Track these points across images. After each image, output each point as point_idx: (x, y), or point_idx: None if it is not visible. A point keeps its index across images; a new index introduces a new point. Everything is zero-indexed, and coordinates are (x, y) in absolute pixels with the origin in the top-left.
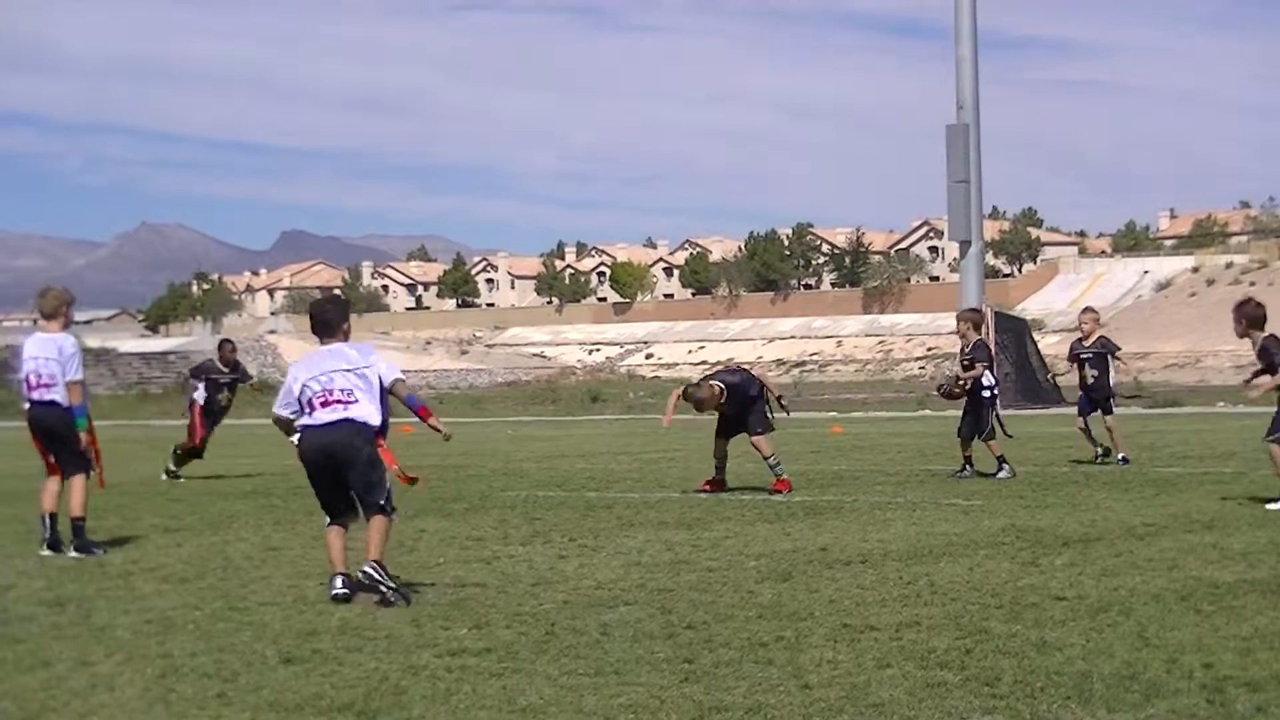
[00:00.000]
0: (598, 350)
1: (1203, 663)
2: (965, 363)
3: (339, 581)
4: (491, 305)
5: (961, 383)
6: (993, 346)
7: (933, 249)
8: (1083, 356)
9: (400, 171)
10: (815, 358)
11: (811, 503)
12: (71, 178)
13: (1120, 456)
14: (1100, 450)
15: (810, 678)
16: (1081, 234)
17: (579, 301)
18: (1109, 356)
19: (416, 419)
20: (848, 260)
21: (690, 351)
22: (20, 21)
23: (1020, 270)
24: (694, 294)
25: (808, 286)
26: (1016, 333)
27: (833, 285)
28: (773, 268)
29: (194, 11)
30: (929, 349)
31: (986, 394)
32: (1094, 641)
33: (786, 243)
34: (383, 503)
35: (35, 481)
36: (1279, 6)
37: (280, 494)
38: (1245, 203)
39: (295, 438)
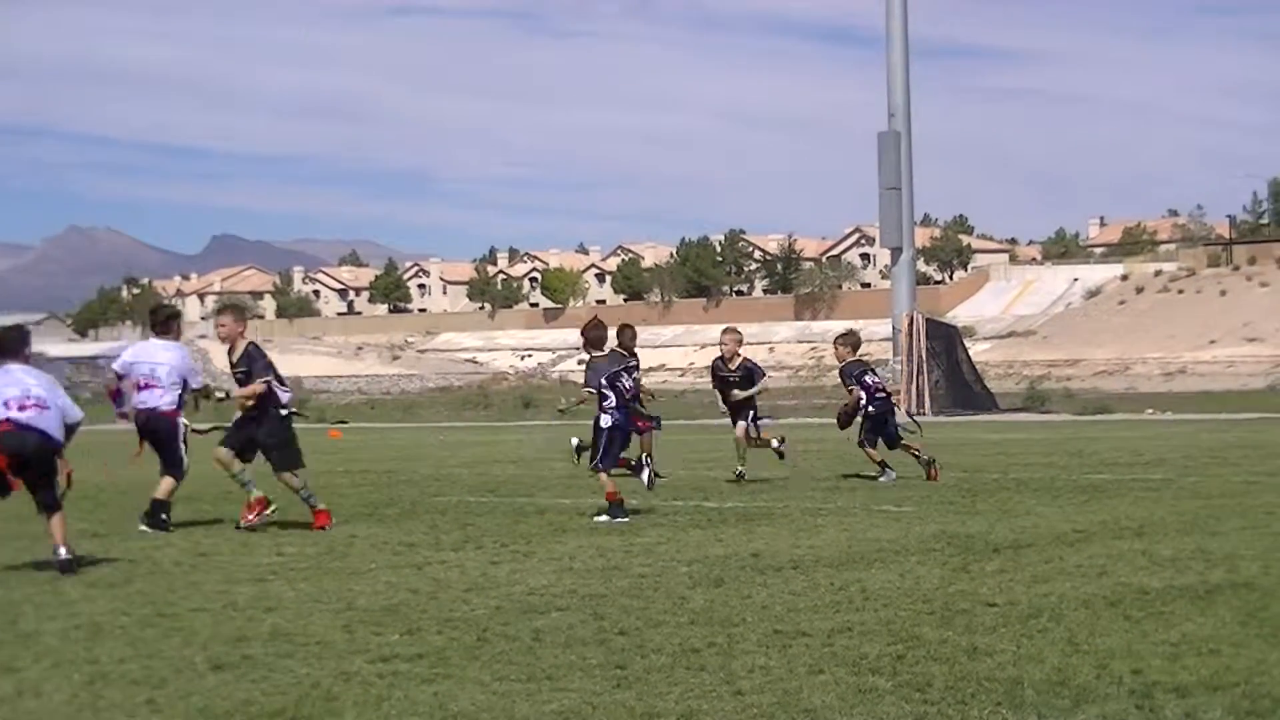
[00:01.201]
0: (530, 356)
1: (1132, 668)
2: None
3: (63, 551)
4: (424, 310)
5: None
6: (924, 353)
7: (864, 256)
8: (730, 380)
9: (333, 176)
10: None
11: (743, 509)
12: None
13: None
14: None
15: (742, 683)
16: (1012, 241)
17: (511, 307)
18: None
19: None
20: (780, 267)
21: None
22: None
23: (951, 277)
24: (626, 300)
25: (740, 293)
26: (947, 340)
27: (765, 292)
28: (705, 274)
29: (127, 15)
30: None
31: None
32: (1024, 647)
33: (719, 249)
34: (57, 501)
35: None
36: (1211, 19)
37: (210, 499)
38: (1174, 211)
39: None
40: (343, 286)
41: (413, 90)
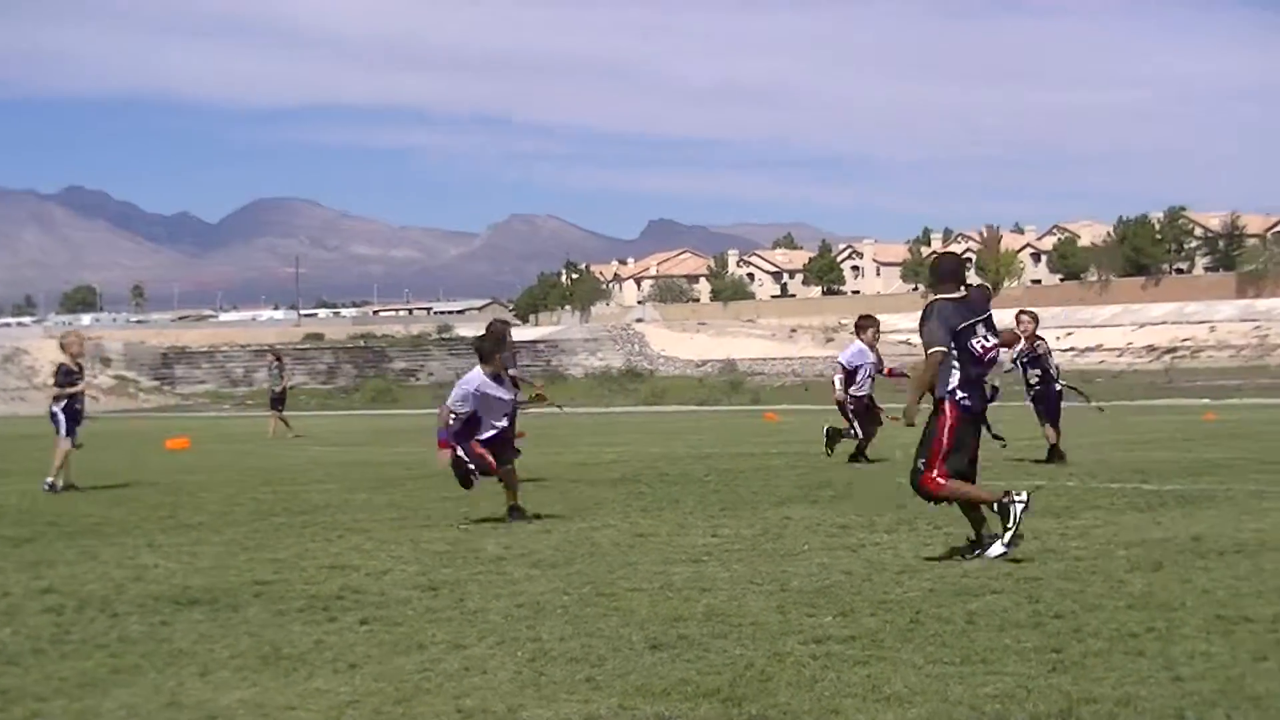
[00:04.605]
0: None
1: None
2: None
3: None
4: (857, 292)
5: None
6: None
7: None
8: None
9: (766, 160)
10: (1187, 344)
11: (1184, 491)
12: (451, 172)
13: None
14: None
15: (1183, 670)
16: None
17: None
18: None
19: None
20: (1222, 244)
21: (1059, 338)
22: (396, 22)
23: None
24: (1062, 279)
25: (1180, 271)
26: None
27: (1206, 270)
28: (1144, 252)
29: (569, 6)
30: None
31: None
32: None
33: (1158, 227)
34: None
35: (414, 469)
36: None
37: (647, 481)
38: None
39: None
40: (777, 269)
41: (848, 71)
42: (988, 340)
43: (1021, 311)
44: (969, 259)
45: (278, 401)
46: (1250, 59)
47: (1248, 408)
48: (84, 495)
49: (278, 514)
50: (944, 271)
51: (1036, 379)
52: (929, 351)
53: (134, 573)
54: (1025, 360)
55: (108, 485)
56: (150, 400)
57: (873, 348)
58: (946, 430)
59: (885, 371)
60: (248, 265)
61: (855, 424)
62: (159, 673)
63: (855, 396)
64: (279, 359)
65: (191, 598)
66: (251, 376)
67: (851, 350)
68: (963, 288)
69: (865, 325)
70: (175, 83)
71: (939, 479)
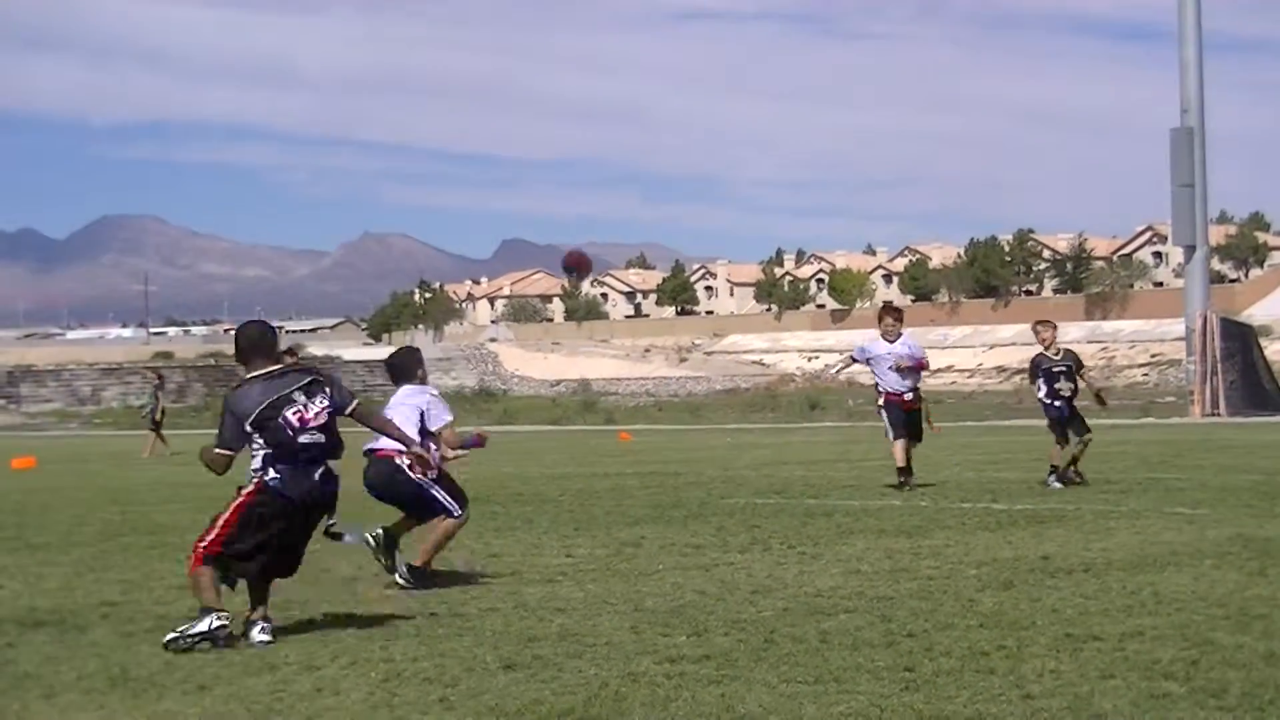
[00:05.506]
0: (816, 358)
1: None
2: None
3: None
4: (710, 313)
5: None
6: (1218, 353)
7: (1157, 254)
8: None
9: (622, 180)
10: None
11: (1033, 511)
12: (302, 190)
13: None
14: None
15: (1032, 687)
16: None
17: (798, 309)
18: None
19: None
20: (1070, 266)
21: None
22: (259, 39)
23: (1247, 275)
24: (913, 301)
25: (1029, 293)
26: (1242, 339)
27: (1054, 291)
28: (993, 274)
29: (424, 26)
30: (1153, 355)
31: None
32: None
33: (1007, 249)
34: None
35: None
36: None
37: (501, 500)
38: None
39: None
40: (630, 289)
41: (701, 94)
42: (308, 409)
43: (1038, 322)
44: (822, 280)
45: (157, 422)
46: (1097, 87)
47: (1094, 428)
48: None
49: (126, 534)
50: (245, 345)
51: (1069, 391)
52: (215, 451)
53: None
54: (1060, 371)
55: None
56: None
57: (895, 338)
58: (236, 507)
59: (917, 364)
60: (95, 283)
61: (889, 424)
62: (3, 696)
63: (883, 391)
64: (160, 378)
65: (38, 619)
66: (100, 395)
67: (866, 341)
68: (286, 358)
69: (881, 315)
70: (21, 97)
71: (202, 555)
